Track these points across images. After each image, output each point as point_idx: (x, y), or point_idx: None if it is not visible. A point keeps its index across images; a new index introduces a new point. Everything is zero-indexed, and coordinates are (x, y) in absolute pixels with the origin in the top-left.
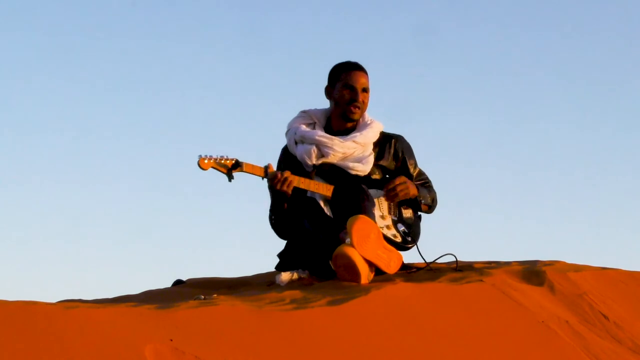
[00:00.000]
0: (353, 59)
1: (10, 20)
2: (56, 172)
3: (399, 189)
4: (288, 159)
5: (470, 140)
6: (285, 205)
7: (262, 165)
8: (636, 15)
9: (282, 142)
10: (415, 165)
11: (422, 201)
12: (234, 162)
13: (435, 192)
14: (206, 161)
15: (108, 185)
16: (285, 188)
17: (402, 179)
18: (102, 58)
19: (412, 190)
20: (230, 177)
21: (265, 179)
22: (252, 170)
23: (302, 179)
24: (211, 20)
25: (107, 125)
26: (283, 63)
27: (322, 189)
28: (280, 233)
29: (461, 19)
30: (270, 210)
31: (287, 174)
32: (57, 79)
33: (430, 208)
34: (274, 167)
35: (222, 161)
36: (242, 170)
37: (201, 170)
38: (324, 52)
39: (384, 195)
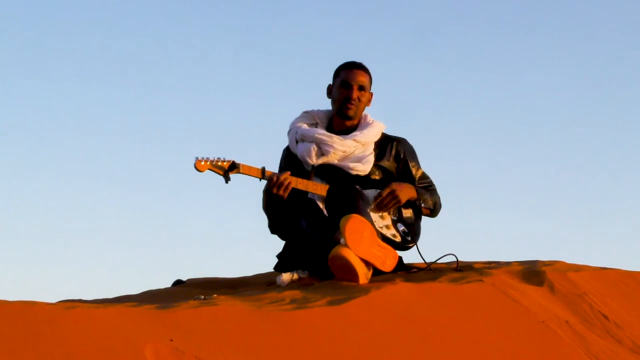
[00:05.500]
0: (355, 59)
1: (8, 19)
2: (56, 171)
3: (386, 201)
4: (289, 159)
5: (470, 140)
6: (279, 206)
7: (259, 166)
8: (636, 15)
9: (283, 143)
10: (418, 168)
11: (422, 204)
12: (230, 163)
13: (438, 196)
14: (202, 163)
15: (108, 185)
16: (282, 192)
17: (390, 189)
18: (105, 57)
19: (404, 198)
20: (227, 179)
21: (263, 180)
22: (249, 171)
23: (300, 180)
24: (212, 20)
25: (107, 125)
26: (284, 64)
27: (318, 189)
28: (278, 233)
29: (461, 20)
30: (265, 211)
31: (285, 175)
32: (58, 78)
33: (433, 212)
34: (276, 168)
35: (219, 163)
36: (239, 172)
37: (198, 173)
38: (326, 53)
39: None
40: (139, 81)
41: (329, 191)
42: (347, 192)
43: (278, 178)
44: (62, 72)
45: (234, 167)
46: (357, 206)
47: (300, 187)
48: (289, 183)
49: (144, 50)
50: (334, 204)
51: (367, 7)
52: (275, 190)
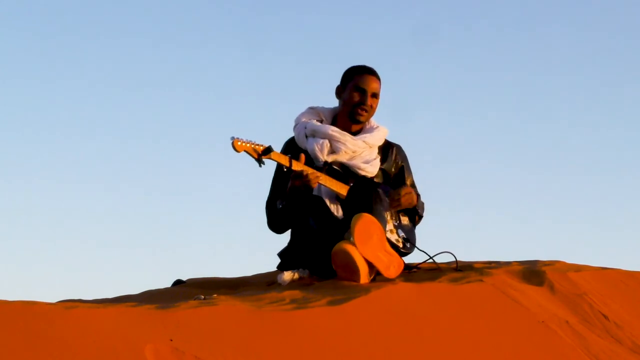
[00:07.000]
0: (355, 59)
1: (8, 19)
2: (56, 171)
3: (404, 199)
4: (292, 152)
5: (470, 140)
6: (299, 196)
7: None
8: (636, 15)
9: (284, 137)
10: (410, 176)
11: (419, 211)
12: (265, 147)
13: (423, 204)
14: (239, 143)
15: (108, 185)
16: (310, 184)
17: (409, 189)
18: (104, 56)
19: (415, 201)
20: (261, 163)
21: (287, 169)
22: (279, 158)
23: (325, 177)
24: (217, 19)
25: (107, 125)
26: (284, 63)
27: (337, 187)
28: (276, 225)
29: (460, 19)
30: (272, 200)
31: (315, 173)
32: (57, 78)
33: (420, 220)
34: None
35: (255, 146)
36: (270, 157)
37: (234, 152)
38: (327, 52)
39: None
40: (141, 80)
41: (349, 191)
42: (367, 193)
43: (307, 173)
44: (60, 72)
45: (268, 151)
46: (374, 209)
47: (322, 182)
48: (317, 179)
49: (144, 49)
50: (352, 204)
51: (367, 6)
52: (298, 183)
